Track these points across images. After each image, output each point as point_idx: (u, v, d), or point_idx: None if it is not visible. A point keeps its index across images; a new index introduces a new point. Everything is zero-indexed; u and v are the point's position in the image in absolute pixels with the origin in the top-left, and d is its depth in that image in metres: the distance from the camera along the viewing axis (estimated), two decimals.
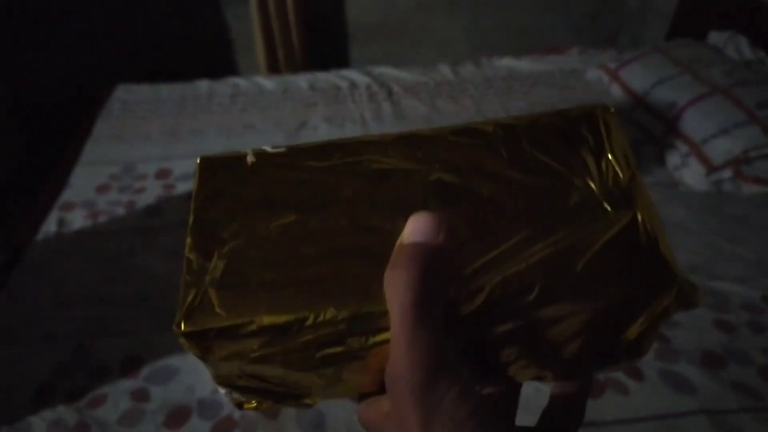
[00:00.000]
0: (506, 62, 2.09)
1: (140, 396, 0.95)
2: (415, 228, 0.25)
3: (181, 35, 2.51)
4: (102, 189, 1.46)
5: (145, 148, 1.63)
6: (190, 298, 0.27)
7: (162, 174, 1.51)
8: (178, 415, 0.92)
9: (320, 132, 1.68)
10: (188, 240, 0.28)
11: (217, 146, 1.64)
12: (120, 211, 1.38)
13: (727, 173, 1.38)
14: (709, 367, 0.98)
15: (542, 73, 2.01)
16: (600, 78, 1.89)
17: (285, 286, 0.27)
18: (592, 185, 0.29)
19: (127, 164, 1.56)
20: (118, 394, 0.96)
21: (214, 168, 0.31)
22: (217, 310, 0.26)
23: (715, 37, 1.88)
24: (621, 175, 0.29)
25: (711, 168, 1.39)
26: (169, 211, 1.39)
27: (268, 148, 0.31)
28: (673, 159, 1.48)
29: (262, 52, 2.49)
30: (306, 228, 0.28)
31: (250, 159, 0.30)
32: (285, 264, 0.27)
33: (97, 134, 1.70)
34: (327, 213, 0.29)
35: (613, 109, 0.31)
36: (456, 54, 2.61)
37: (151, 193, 1.44)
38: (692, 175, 1.41)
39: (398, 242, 0.25)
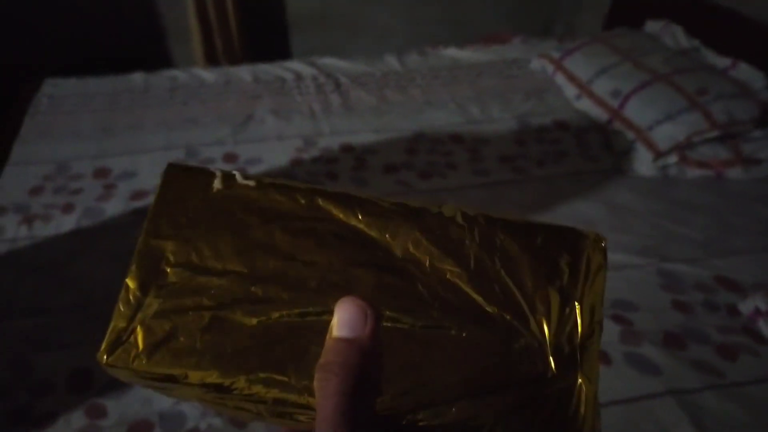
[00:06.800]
0: (450, 52, 2.08)
1: (95, 412, 0.88)
2: (343, 319, 0.25)
3: (109, 24, 2.37)
4: (35, 191, 1.35)
5: (78, 146, 1.53)
6: (119, 328, 0.27)
7: (101, 173, 1.42)
8: (139, 430, 0.86)
9: (268, 125, 1.62)
10: (132, 266, 0.28)
11: (157, 142, 1.55)
12: (56, 214, 1.28)
13: (672, 158, 1.42)
14: (671, 347, 1.00)
15: (486, 62, 2.02)
16: (544, 67, 1.91)
17: (206, 352, 0.26)
18: (546, 331, 0.28)
19: (61, 163, 1.45)
20: (69, 412, 0.88)
21: (179, 181, 0.30)
22: (140, 353, 0.26)
23: (651, 26, 1.93)
24: (580, 328, 0.28)
25: (658, 153, 1.43)
26: (110, 212, 1.30)
27: (238, 176, 0.30)
28: (619, 145, 1.52)
29: (198, 42, 2.38)
30: (246, 288, 0.28)
31: (216, 185, 0.29)
32: (211, 328, 0.27)
33: (25, 133, 1.58)
34: (271, 276, 0.28)
35: (605, 243, 0.30)
36: (395, 44, 2.59)
37: (90, 193, 1.35)
38: (639, 161, 1.45)
39: (329, 334, 0.26)
